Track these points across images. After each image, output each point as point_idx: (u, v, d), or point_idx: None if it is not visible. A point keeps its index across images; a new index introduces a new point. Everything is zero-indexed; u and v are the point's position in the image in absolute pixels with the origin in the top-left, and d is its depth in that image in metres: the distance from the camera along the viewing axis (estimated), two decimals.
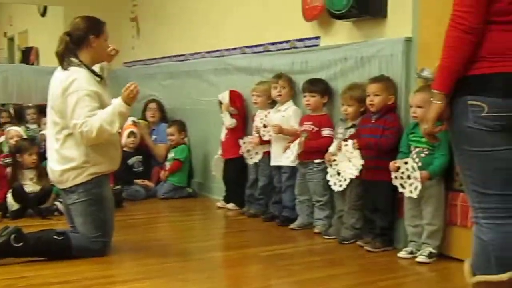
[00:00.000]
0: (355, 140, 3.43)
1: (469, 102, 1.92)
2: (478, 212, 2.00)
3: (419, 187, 3.12)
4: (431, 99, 1.99)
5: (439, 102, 1.94)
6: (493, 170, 1.94)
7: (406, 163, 3.18)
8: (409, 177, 3.16)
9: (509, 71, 1.87)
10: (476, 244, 2.00)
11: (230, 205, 4.63)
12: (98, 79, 3.26)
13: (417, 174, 3.11)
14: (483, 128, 1.91)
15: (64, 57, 3.18)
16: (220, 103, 4.58)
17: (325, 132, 3.84)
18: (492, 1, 1.87)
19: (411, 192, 3.15)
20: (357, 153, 3.42)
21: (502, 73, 1.88)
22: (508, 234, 1.95)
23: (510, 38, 1.88)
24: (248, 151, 4.39)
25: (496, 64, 1.88)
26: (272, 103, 4.32)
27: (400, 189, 3.22)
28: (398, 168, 3.19)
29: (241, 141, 4.44)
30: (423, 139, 3.08)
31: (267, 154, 4.29)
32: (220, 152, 4.71)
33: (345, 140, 3.52)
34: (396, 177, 3.21)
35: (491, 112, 1.89)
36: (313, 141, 3.82)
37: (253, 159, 4.39)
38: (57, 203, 4.31)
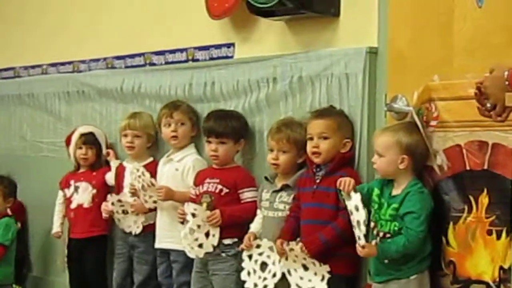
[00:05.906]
0: (301, 244, 3.39)
1: None
2: None
3: None
4: None
5: None
6: None
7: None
8: None
9: None
10: None
11: None
12: None
13: None
14: None
15: None
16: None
17: (247, 194, 3.88)
18: None
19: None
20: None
21: None
22: None
23: None
24: (123, 212, 4.39)
25: None
26: (151, 150, 4.44)
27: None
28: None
29: (110, 198, 4.44)
30: (388, 214, 3.12)
31: (149, 230, 4.32)
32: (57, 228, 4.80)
33: (284, 239, 3.50)
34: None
35: None
36: (231, 207, 3.84)
37: (130, 227, 4.39)
38: None
